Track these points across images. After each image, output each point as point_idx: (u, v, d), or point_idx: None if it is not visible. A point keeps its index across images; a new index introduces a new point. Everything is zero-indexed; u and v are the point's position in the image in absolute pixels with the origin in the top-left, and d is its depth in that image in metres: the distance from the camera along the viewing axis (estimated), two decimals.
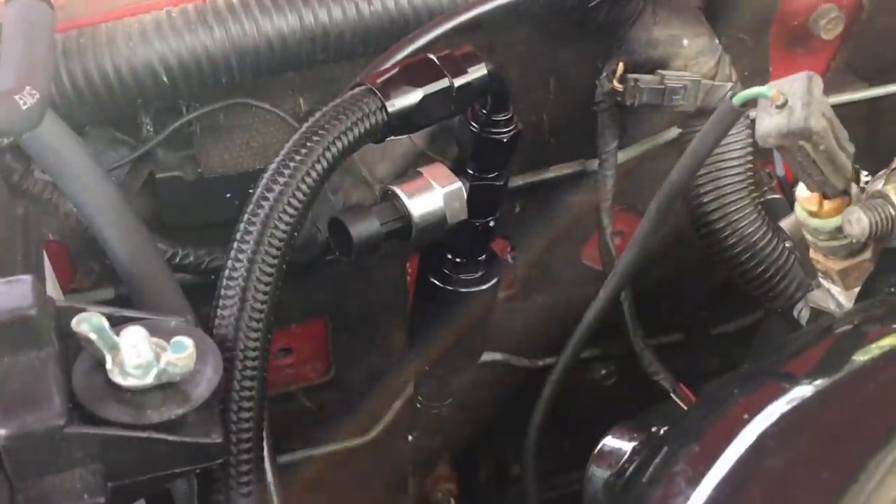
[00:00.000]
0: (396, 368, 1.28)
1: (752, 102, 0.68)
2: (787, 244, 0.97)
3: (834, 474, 0.49)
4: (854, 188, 0.71)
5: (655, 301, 1.24)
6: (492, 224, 0.99)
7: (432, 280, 1.03)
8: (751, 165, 1.08)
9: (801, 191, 0.74)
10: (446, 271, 1.02)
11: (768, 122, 0.66)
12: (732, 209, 1.07)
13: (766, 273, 1.08)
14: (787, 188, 1.18)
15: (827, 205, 0.72)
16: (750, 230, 1.07)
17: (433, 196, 0.91)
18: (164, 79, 0.91)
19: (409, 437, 1.28)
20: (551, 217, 1.28)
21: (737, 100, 0.69)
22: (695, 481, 0.52)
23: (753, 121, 1.05)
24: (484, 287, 1.04)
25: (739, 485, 0.51)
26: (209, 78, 0.93)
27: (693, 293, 1.46)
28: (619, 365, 1.52)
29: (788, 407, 0.55)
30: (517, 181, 1.20)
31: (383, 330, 1.26)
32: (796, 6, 1.16)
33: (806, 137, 0.65)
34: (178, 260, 1.01)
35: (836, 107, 0.73)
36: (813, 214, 0.73)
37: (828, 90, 0.71)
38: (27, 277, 0.58)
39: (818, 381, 0.57)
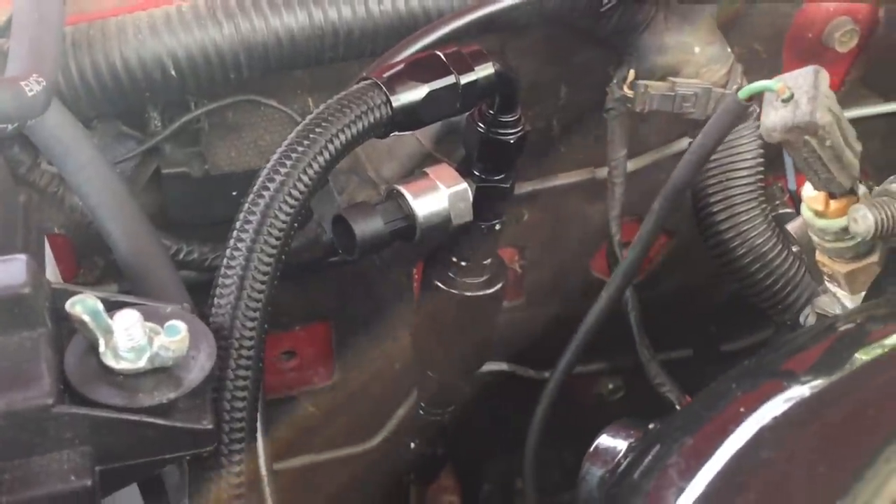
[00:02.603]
0: (400, 374, 1.27)
1: (757, 96, 0.68)
2: (795, 249, 0.95)
3: (833, 470, 0.48)
4: (861, 188, 0.70)
5: (664, 316, 1.22)
6: (498, 227, 0.99)
7: (437, 284, 1.02)
8: (761, 176, 1.07)
9: (807, 190, 0.73)
10: (451, 275, 1.02)
11: (774, 116, 0.65)
12: (742, 219, 1.06)
13: (775, 285, 1.06)
14: (799, 202, 1.18)
15: (833, 204, 0.70)
16: (760, 241, 1.06)
17: (438, 196, 0.90)
18: (173, 73, 0.91)
19: (412, 445, 1.26)
20: (560, 226, 1.28)
21: (742, 93, 0.69)
22: (688, 474, 0.50)
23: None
24: (489, 291, 1.03)
25: (735, 478, 0.50)
26: (217, 73, 0.93)
27: (702, 309, 1.44)
28: (627, 379, 1.51)
29: (788, 403, 0.53)
30: (525, 188, 1.20)
31: (387, 335, 1.25)
32: (811, 18, 1.16)
33: (811, 132, 0.64)
34: (181, 256, 1.00)
35: (851, 121, 0.72)
36: (819, 214, 0.72)
37: (842, 104, 0.70)
38: (22, 256, 0.57)
39: (819, 379, 0.56)
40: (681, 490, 0.50)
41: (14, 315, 0.56)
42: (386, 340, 1.26)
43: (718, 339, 1.46)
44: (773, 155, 1.09)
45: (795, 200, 1.18)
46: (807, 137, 0.64)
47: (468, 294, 1.02)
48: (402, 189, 0.89)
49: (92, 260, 1.05)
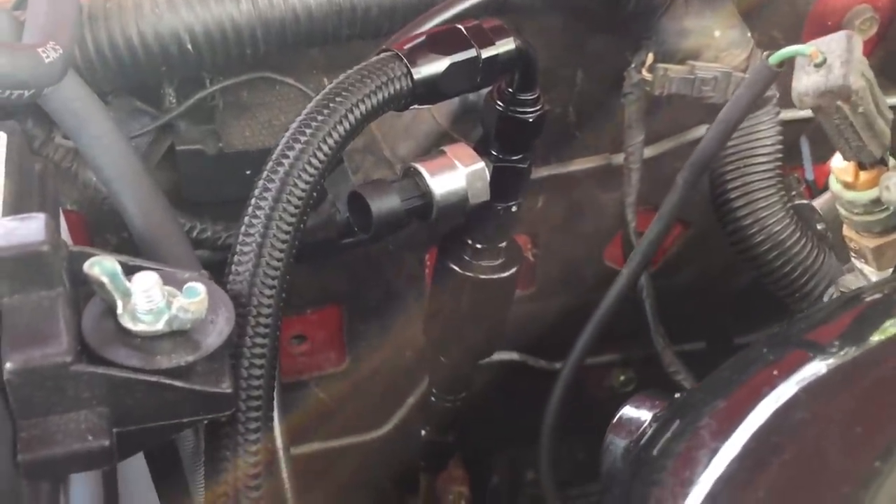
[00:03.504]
0: (411, 361, 1.26)
1: (789, 61, 0.67)
2: (820, 226, 0.94)
3: (871, 432, 0.47)
4: (892, 159, 0.69)
5: (677, 307, 1.22)
6: (514, 209, 0.98)
7: (452, 266, 1.02)
8: (780, 163, 1.06)
9: (836, 161, 0.72)
10: (466, 257, 1.01)
11: (806, 81, 0.64)
12: (761, 206, 1.05)
13: (793, 272, 1.05)
14: (817, 193, 1.17)
15: (863, 175, 0.69)
16: (778, 228, 1.05)
17: (456, 175, 0.89)
18: (189, 47, 0.91)
19: (423, 432, 1.26)
20: (573, 214, 1.27)
21: (774, 58, 0.68)
22: (722, 435, 0.49)
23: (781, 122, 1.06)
24: (504, 275, 1.02)
25: (770, 438, 0.49)
26: (234, 48, 0.92)
27: (715, 301, 1.43)
28: (638, 370, 1.50)
29: (821, 368, 0.52)
30: (540, 173, 1.19)
31: (399, 321, 1.24)
32: (831, 5, 1.15)
33: (844, 97, 0.63)
34: (195, 234, 1.00)
35: None
36: (848, 186, 0.71)
37: None
38: (40, 215, 0.57)
39: (849, 347, 0.55)
40: (714, 451, 0.49)
41: (32, 273, 0.55)
42: (397, 326, 1.25)
43: (732, 331, 1.45)
44: (790, 145, 1.08)
45: (813, 190, 1.17)
46: (839, 103, 0.63)
47: (483, 277, 1.01)
48: (420, 167, 0.88)
49: (104, 237, 1.04)
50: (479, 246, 1.00)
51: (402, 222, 0.88)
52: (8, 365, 0.52)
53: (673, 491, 0.49)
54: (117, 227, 1.01)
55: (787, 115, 1.08)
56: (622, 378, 1.51)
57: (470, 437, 1.29)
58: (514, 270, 1.03)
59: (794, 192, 1.22)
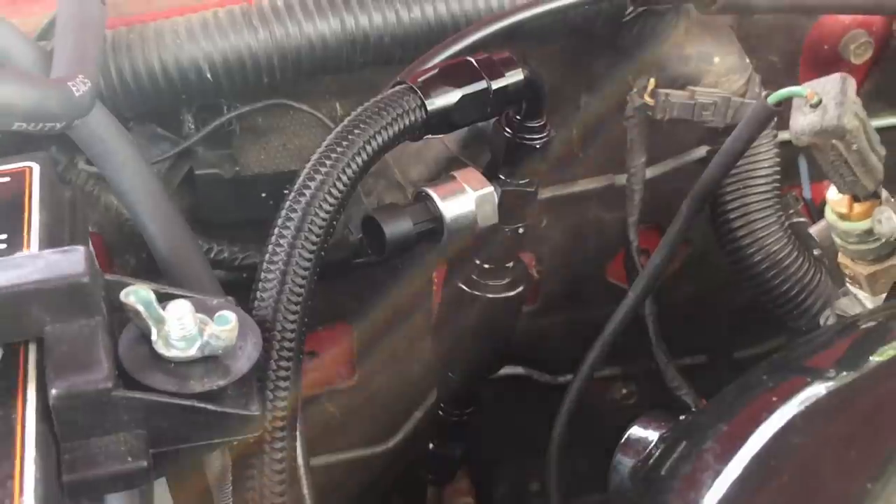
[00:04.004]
0: (419, 376, 1.29)
1: (786, 102, 0.70)
2: (816, 252, 0.97)
3: (864, 455, 0.50)
4: (884, 192, 0.72)
5: (678, 323, 1.24)
6: (521, 230, 1.01)
7: (460, 285, 1.05)
8: (778, 184, 1.09)
9: (832, 193, 0.75)
10: (474, 277, 1.04)
11: (802, 121, 0.67)
12: (759, 226, 1.08)
13: (791, 291, 1.08)
14: (814, 211, 1.20)
15: (857, 207, 0.73)
16: (776, 248, 1.08)
17: (465, 199, 0.92)
18: (208, 75, 0.94)
19: (430, 445, 1.29)
20: (577, 232, 1.30)
21: (772, 98, 0.71)
22: (724, 458, 0.53)
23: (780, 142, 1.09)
24: (511, 294, 1.05)
25: (769, 461, 0.52)
26: (251, 76, 0.96)
27: (715, 316, 1.46)
28: (640, 385, 1.53)
29: (818, 393, 0.56)
30: (545, 193, 1.22)
31: (408, 337, 1.27)
32: (828, 30, 1.18)
33: (839, 136, 0.66)
34: (213, 255, 1.03)
35: None
36: (843, 217, 0.74)
37: None
38: (80, 247, 0.60)
39: (845, 373, 0.58)
40: (718, 472, 0.52)
41: (74, 303, 0.58)
42: (406, 343, 1.28)
43: (731, 345, 1.48)
44: (787, 164, 1.11)
45: (810, 209, 1.20)
46: (834, 141, 0.67)
47: (490, 296, 1.04)
48: (431, 191, 0.91)
49: (124, 258, 1.07)
50: (486, 266, 1.03)
51: (414, 244, 0.91)
52: (53, 391, 0.55)
53: None
54: (136, 248, 1.04)
55: (786, 135, 1.11)
56: (624, 391, 1.54)
57: (475, 449, 1.32)
58: (520, 290, 1.06)
59: (791, 211, 1.26)
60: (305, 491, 0.74)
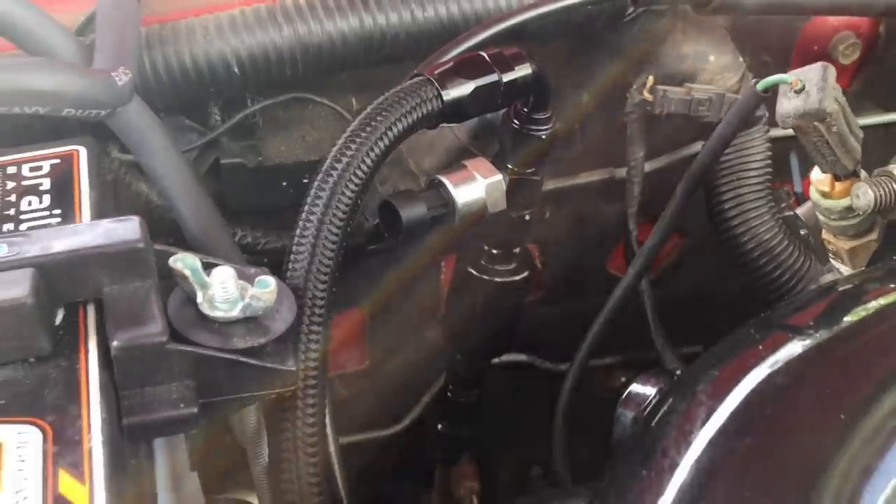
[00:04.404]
0: (428, 360, 1.35)
1: (773, 88, 0.77)
2: (803, 231, 1.04)
3: (837, 393, 0.56)
4: (863, 172, 0.78)
5: (676, 313, 1.30)
6: (527, 217, 1.07)
7: (470, 270, 1.11)
8: (769, 176, 1.15)
9: (815, 174, 0.81)
10: (483, 262, 1.10)
11: (787, 105, 0.74)
12: (752, 216, 1.14)
13: (782, 276, 1.14)
14: (804, 203, 1.26)
15: (838, 186, 0.79)
16: (767, 236, 1.14)
17: (476, 186, 0.98)
18: (236, 70, 1.00)
19: (440, 426, 1.34)
20: (579, 224, 1.36)
21: (760, 85, 0.78)
22: (717, 397, 0.59)
23: (771, 139, 1.16)
24: (517, 278, 1.12)
25: (757, 398, 0.58)
26: (275, 70, 1.02)
27: (711, 306, 1.51)
28: (640, 372, 1.58)
29: (799, 345, 0.62)
30: (548, 185, 1.27)
31: (418, 321, 1.33)
32: (817, 31, 1.24)
33: (820, 119, 0.73)
34: (237, 239, 1.08)
35: None
36: (825, 195, 0.80)
37: None
38: (135, 217, 0.66)
39: (824, 328, 0.65)
40: (711, 409, 0.59)
41: (130, 266, 0.65)
42: (416, 327, 1.34)
43: (726, 334, 1.53)
44: (779, 161, 1.17)
45: (801, 201, 1.26)
46: (816, 123, 0.73)
47: (498, 280, 1.10)
48: (443, 179, 0.97)
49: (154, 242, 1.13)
50: (494, 251, 1.09)
51: (428, 229, 0.97)
52: (115, 343, 0.62)
53: (677, 440, 0.59)
54: (167, 233, 1.10)
55: (777, 132, 1.17)
56: (623, 380, 1.59)
57: (480, 434, 1.38)
58: (526, 274, 1.12)
59: (783, 205, 1.32)
60: (332, 448, 0.80)
